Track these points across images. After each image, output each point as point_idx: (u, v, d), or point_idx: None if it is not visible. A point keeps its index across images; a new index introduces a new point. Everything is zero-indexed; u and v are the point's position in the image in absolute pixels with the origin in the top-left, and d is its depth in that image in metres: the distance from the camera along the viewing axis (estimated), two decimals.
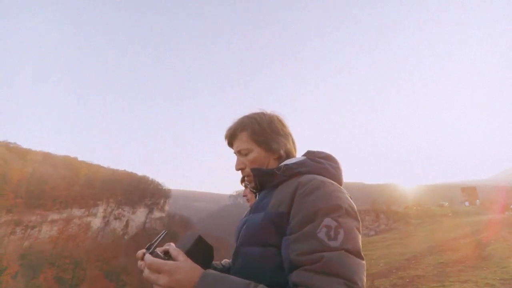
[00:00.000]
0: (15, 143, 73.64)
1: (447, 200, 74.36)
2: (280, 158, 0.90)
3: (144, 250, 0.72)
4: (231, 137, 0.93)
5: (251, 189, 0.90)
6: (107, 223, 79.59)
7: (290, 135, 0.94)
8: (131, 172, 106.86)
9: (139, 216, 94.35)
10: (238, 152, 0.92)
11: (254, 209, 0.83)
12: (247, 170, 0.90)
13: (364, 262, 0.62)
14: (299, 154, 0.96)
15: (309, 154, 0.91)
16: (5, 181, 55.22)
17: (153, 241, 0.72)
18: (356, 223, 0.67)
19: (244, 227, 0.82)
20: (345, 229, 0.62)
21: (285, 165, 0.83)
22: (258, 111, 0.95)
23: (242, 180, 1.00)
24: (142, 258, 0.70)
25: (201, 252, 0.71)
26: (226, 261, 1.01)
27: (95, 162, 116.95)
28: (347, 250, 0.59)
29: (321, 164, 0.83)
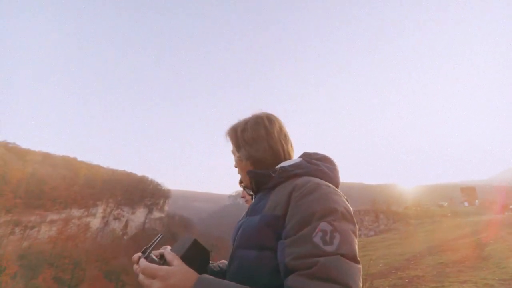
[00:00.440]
0: (14, 143, 73.62)
1: (447, 200, 74.49)
2: (255, 164, 0.89)
3: (140, 254, 0.71)
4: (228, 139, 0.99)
5: (247, 191, 0.94)
6: (106, 223, 79.51)
7: (284, 136, 0.93)
8: (131, 172, 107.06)
9: (139, 216, 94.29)
10: (232, 153, 0.98)
11: (250, 212, 0.83)
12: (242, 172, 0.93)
13: (360, 266, 0.61)
14: (298, 154, 0.95)
15: (305, 155, 0.91)
16: (4, 181, 55.18)
17: (149, 245, 0.72)
18: (352, 226, 0.66)
19: (240, 230, 0.81)
20: (340, 233, 0.61)
21: (281, 167, 0.83)
22: (256, 113, 0.96)
23: (240, 182, 1.00)
24: (138, 262, 0.69)
25: (197, 256, 0.71)
26: (224, 262, 0.99)
27: (95, 162, 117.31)
28: (342, 255, 0.58)
29: (317, 166, 0.82)
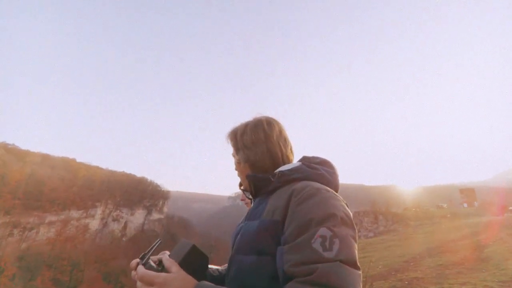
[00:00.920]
0: (13, 144, 73.42)
1: (446, 201, 74.45)
2: (253, 167, 0.89)
3: (138, 260, 0.71)
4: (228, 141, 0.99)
5: (246, 195, 0.92)
6: (105, 225, 79.25)
7: (284, 140, 0.92)
8: (130, 174, 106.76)
9: (138, 217, 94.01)
10: (232, 156, 0.98)
11: (249, 216, 0.83)
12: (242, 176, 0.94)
13: (360, 272, 0.60)
14: (299, 156, 0.94)
15: (304, 159, 0.90)
16: (3, 183, 54.99)
17: (147, 251, 0.71)
18: (352, 231, 0.65)
19: (239, 235, 0.81)
20: (340, 239, 0.60)
21: (280, 171, 0.82)
22: (257, 116, 0.96)
23: (240, 185, 1.01)
24: (136, 268, 0.69)
25: (195, 262, 0.70)
26: (224, 266, 0.97)
27: (94, 163, 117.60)
28: (342, 261, 0.58)
29: (316, 170, 0.82)
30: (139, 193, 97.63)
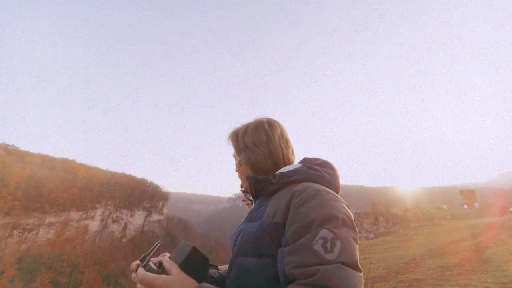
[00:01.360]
0: (13, 145, 73.35)
1: (446, 203, 74.38)
2: (254, 168, 0.88)
3: (138, 262, 0.71)
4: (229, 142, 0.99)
5: (246, 196, 0.93)
6: (105, 226, 79.05)
7: (285, 142, 0.91)
8: (130, 175, 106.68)
9: (138, 219, 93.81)
10: (233, 157, 0.98)
11: (250, 218, 0.83)
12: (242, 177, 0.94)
13: (361, 274, 0.60)
14: (299, 158, 0.94)
15: (305, 161, 0.90)
16: (3, 184, 54.98)
17: (147, 253, 0.71)
18: (353, 233, 0.65)
19: (239, 237, 0.80)
20: (341, 241, 0.60)
21: (281, 172, 0.82)
22: (258, 117, 0.96)
23: (241, 186, 1.01)
24: (136, 270, 0.69)
25: (195, 264, 0.69)
26: (225, 267, 0.97)
27: (94, 164, 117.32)
28: (343, 263, 0.57)
29: (317, 172, 0.81)
30: (139, 194, 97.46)
